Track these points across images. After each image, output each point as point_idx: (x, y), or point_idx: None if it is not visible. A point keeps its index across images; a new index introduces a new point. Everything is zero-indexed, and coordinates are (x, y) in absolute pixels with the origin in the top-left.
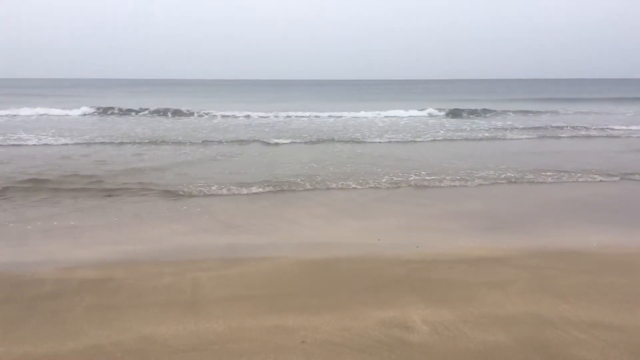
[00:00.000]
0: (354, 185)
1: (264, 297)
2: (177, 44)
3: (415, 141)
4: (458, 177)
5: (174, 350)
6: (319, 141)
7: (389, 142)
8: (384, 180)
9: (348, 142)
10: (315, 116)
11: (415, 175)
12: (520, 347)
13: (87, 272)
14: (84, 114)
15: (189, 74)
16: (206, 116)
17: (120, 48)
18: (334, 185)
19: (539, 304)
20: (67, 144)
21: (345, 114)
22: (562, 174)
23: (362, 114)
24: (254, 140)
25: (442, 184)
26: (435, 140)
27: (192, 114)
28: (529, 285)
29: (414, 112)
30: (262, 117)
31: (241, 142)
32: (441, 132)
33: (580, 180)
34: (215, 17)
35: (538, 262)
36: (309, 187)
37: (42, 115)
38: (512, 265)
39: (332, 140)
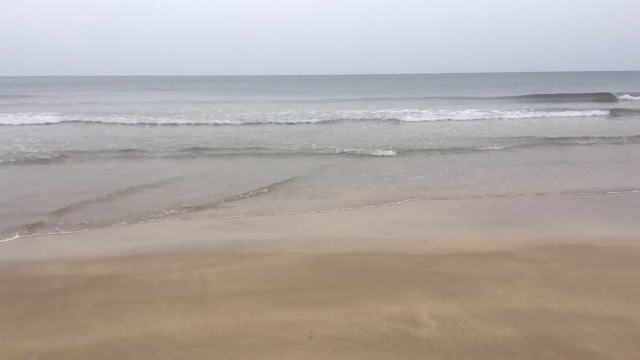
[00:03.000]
0: None
1: (271, 292)
2: (177, 41)
3: None
4: None
5: (181, 345)
6: None
7: None
8: None
9: None
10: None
11: None
12: (529, 341)
13: (95, 269)
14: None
15: (188, 71)
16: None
17: (122, 46)
18: None
19: (546, 298)
20: None
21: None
22: None
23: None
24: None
25: None
26: None
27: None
28: (537, 278)
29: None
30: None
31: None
32: None
33: None
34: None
35: (545, 255)
36: None
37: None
38: (519, 259)
39: None
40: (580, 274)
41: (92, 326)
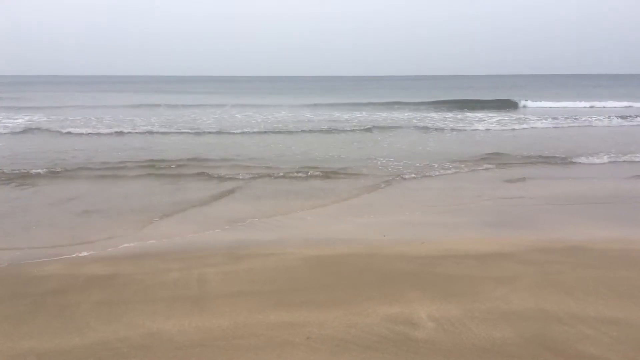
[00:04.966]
0: None
1: (269, 292)
2: (177, 41)
3: None
4: None
5: (180, 345)
6: None
7: None
8: None
9: None
10: None
11: None
12: (527, 342)
13: (94, 268)
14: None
15: (188, 72)
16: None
17: (122, 46)
18: None
19: (545, 299)
20: None
21: None
22: None
23: None
24: None
25: None
26: None
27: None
28: (536, 280)
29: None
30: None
31: None
32: None
33: None
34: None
35: (544, 257)
36: None
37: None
38: (518, 260)
39: None
40: (579, 276)
41: (90, 326)
